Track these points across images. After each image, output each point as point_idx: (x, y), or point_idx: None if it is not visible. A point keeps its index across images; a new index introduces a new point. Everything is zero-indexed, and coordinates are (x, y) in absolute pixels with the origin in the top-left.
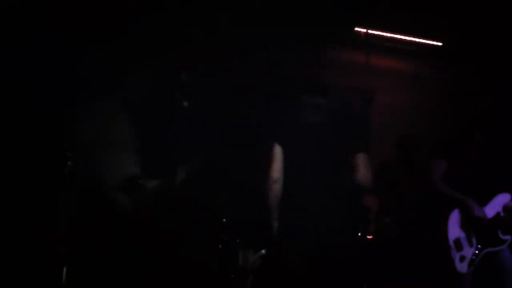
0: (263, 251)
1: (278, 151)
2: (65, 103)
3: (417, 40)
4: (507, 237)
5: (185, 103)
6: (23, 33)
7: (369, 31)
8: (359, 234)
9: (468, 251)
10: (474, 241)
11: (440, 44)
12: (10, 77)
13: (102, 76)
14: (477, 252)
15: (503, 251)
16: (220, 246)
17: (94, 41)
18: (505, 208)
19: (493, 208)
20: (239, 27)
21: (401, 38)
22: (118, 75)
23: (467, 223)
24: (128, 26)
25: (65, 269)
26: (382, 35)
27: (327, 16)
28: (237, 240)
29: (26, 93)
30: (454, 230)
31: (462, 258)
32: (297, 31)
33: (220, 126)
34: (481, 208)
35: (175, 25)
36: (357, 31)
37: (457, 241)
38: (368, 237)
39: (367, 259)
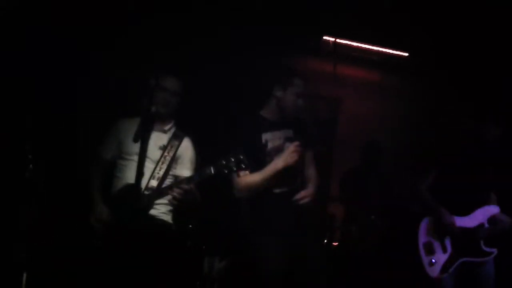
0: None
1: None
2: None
3: (384, 50)
4: (491, 249)
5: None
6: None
7: (337, 40)
8: (325, 241)
9: (440, 257)
10: (448, 247)
11: (406, 54)
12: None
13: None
14: (451, 259)
15: (486, 264)
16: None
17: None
18: (490, 220)
19: (476, 218)
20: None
21: (368, 48)
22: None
23: (439, 230)
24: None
25: (25, 275)
26: (350, 45)
27: (295, 24)
28: (203, 247)
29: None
30: (424, 235)
31: (432, 263)
32: (264, 39)
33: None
34: (451, 216)
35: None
36: (325, 40)
37: (428, 246)
38: (334, 244)
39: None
